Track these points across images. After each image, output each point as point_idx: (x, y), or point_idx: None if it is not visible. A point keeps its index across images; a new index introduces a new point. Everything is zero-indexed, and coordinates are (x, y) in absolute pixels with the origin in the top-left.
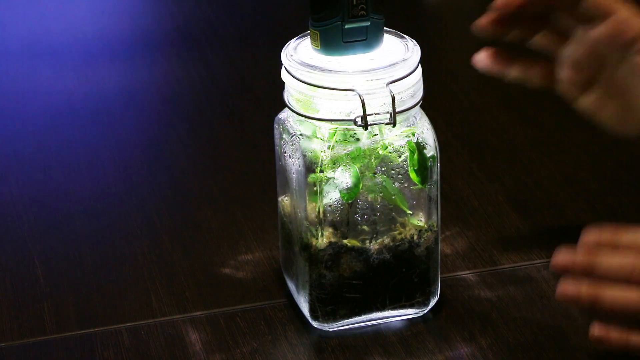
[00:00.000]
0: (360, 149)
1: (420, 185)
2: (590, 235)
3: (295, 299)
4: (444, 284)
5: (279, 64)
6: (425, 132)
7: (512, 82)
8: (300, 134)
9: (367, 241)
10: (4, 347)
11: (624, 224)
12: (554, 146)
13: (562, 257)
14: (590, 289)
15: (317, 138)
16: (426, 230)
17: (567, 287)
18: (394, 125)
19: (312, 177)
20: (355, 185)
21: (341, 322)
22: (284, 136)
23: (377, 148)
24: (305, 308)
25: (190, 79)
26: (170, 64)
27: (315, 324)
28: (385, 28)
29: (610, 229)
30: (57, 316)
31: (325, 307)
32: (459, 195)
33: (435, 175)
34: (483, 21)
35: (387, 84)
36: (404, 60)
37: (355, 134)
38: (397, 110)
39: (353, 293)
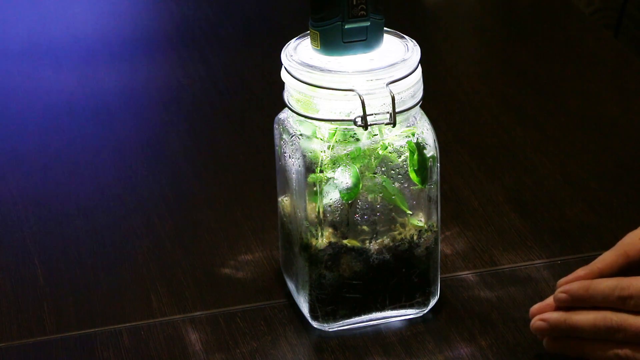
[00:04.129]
0: (360, 149)
1: (420, 186)
2: (564, 291)
3: (295, 299)
4: (444, 284)
5: (279, 64)
6: (425, 132)
7: None
8: (300, 134)
9: (367, 241)
10: (4, 347)
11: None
12: (554, 146)
13: (539, 320)
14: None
15: (317, 138)
16: (426, 231)
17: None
18: (394, 126)
19: (312, 177)
20: (355, 185)
21: (341, 322)
22: (284, 136)
23: (377, 148)
24: (305, 308)
25: (190, 79)
26: (170, 64)
27: (315, 324)
28: (385, 28)
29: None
30: (57, 316)
31: (325, 307)
32: (459, 195)
33: (435, 176)
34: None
35: (387, 84)
36: (404, 60)
37: (355, 134)
38: (397, 110)
39: (353, 293)
